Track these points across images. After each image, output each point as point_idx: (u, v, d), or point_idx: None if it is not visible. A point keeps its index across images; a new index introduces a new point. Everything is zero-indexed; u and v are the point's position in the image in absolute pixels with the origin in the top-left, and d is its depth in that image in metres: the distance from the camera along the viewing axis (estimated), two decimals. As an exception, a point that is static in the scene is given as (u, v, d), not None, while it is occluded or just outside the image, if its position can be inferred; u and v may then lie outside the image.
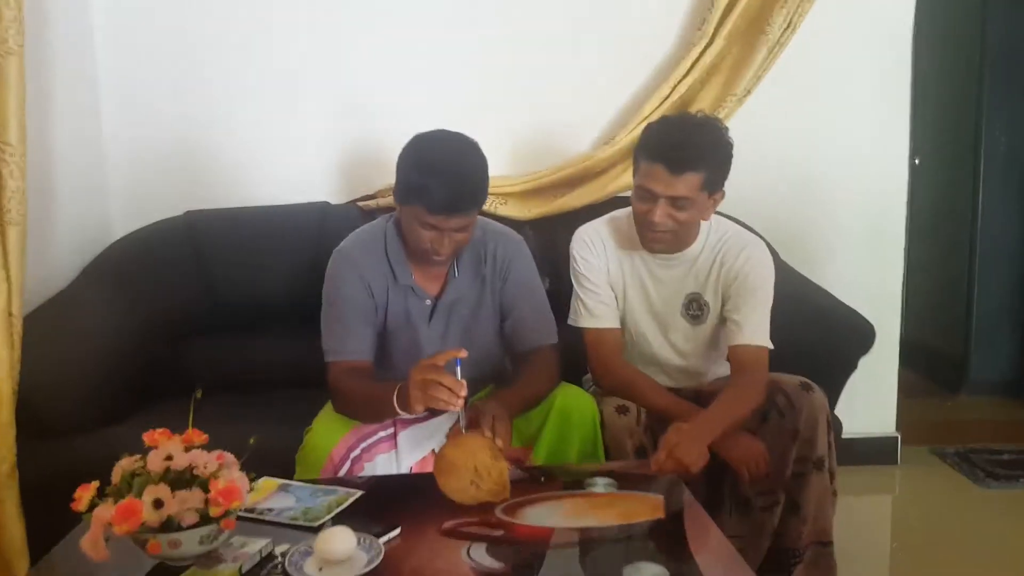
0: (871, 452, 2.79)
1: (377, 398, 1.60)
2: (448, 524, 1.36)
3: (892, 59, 2.66)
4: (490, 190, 1.81)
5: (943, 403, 3.59)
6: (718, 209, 1.85)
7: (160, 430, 1.26)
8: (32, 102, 1.84)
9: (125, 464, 1.22)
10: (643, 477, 1.55)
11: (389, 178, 1.76)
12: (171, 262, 2.34)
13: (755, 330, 1.81)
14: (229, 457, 1.25)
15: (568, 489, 1.50)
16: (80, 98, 2.41)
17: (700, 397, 1.85)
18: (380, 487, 1.53)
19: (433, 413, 1.68)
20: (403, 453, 1.71)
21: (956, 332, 3.67)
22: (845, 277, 2.61)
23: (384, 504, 1.43)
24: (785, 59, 2.48)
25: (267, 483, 1.50)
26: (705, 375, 1.98)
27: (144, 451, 1.22)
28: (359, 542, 1.24)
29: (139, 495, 1.16)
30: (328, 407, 1.78)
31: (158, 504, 1.15)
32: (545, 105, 2.58)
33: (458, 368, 1.50)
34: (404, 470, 1.71)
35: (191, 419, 1.30)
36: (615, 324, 1.92)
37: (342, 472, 1.64)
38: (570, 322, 1.93)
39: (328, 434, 1.68)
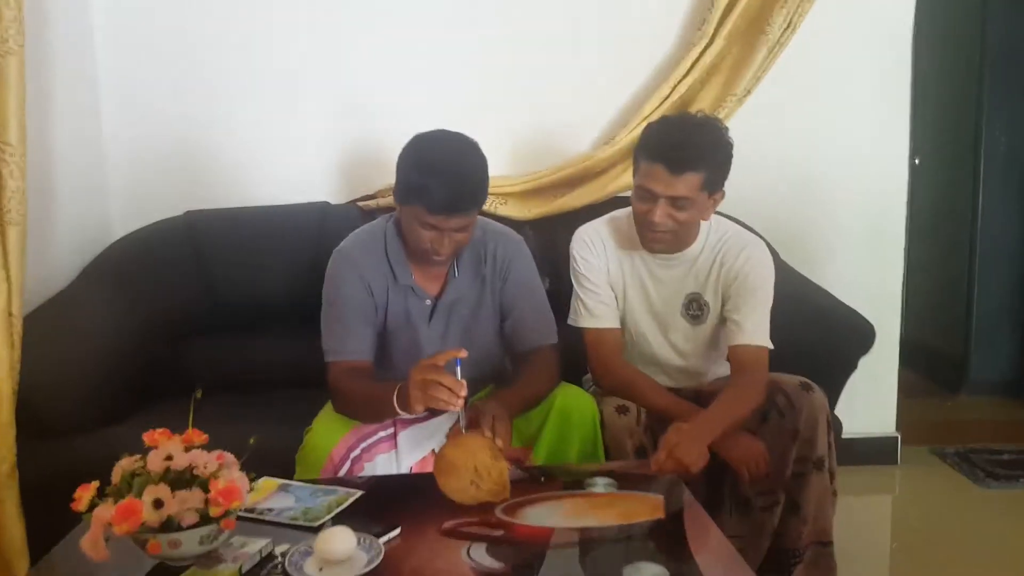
0: (871, 452, 2.79)
1: (377, 398, 1.60)
2: (448, 524, 1.36)
3: (892, 59, 2.66)
4: (490, 190, 1.81)
5: (943, 403, 3.59)
6: (718, 209, 1.85)
7: (160, 430, 1.26)
8: (32, 102, 1.84)
9: (125, 464, 1.22)
10: (643, 477, 1.55)
11: (389, 178, 1.76)
12: (171, 262, 2.34)
13: (755, 330, 1.81)
14: (229, 457, 1.25)
15: (568, 489, 1.50)
16: (80, 98, 2.41)
17: (700, 397, 1.85)
18: (380, 487, 1.52)
19: (433, 413, 1.68)
20: (403, 453, 1.71)
21: (956, 332, 3.67)
22: (845, 277, 2.61)
23: (384, 504, 1.43)
24: (785, 59, 2.48)
25: (267, 483, 1.50)
26: (705, 375, 1.98)
27: (144, 451, 1.22)
28: (359, 542, 1.24)
29: (139, 495, 1.16)
30: (328, 407, 1.78)
31: (158, 504, 1.15)
32: (545, 105, 2.58)
33: (458, 368, 1.50)
34: (404, 470, 1.71)
35: (191, 419, 1.30)
36: (615, 324, 1.92)
37: (342, 472, 1.64)
38: (570, 322, 1.93)
39: (328, 434, 1.68)
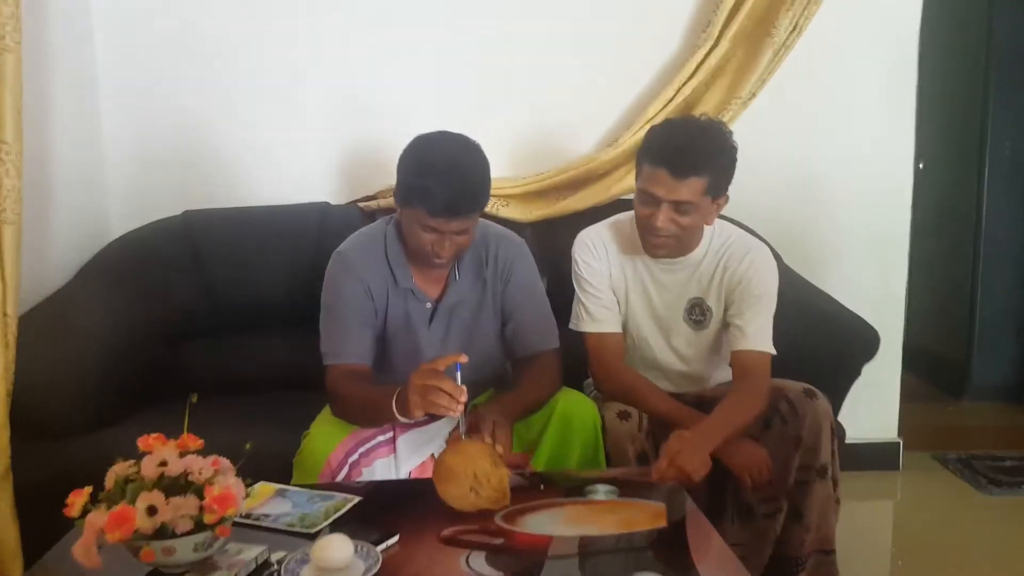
0: (873, 457, 2.78)
1: (376, 402, 1.58)
2: (447, 531, 1.34)
3: (898, 62, 2.64)
4: (492, 192, 1.79)
5: (945, 408, 3.57)
6: (721, 212, 1.83)
7: (154, 435, 1.24)
8: (31, 101, 1.83)
9: (119, 469, 1.21)
10: (645, 484, 1.53)
11: (389, 179, 1.75)
12: (169, 262, 2.32)
13: (758, 335, 1.79)
14: (225, 462, 1.24)
15: (569, 496, 1.48)
16: (79, 97, 2.39)
17: (702, 402, 1.84)
18: (378, 492, 1.51)
19: (432, 418, 1.66)
20: (402, 458, 1.70)
21: (959, 336, 3.65)
22: (848, 280, 2.60)
23: (382, 510, 1.42)
24: (791, 61, 2.46)
25: (263, 488, 1.49)
26: (707, 380, 1.96)
27: (138, 456, 1.21)
28: (356, 550, 1.22)
29: (132, 501, 1.14)
30: (326, 411, 1.76)
31: (152, 511, 1.13)
32: (545, 105, 2.56)
33: (458, 373, 1.48)
34: (403, 475, 1.69)
35: (186, 424, 1.28)
36: (617, 328, 1.90)
37: (340, 477, 1.63)
38: (571, 326, 1.91)
39: (326, 438, 1.67)
